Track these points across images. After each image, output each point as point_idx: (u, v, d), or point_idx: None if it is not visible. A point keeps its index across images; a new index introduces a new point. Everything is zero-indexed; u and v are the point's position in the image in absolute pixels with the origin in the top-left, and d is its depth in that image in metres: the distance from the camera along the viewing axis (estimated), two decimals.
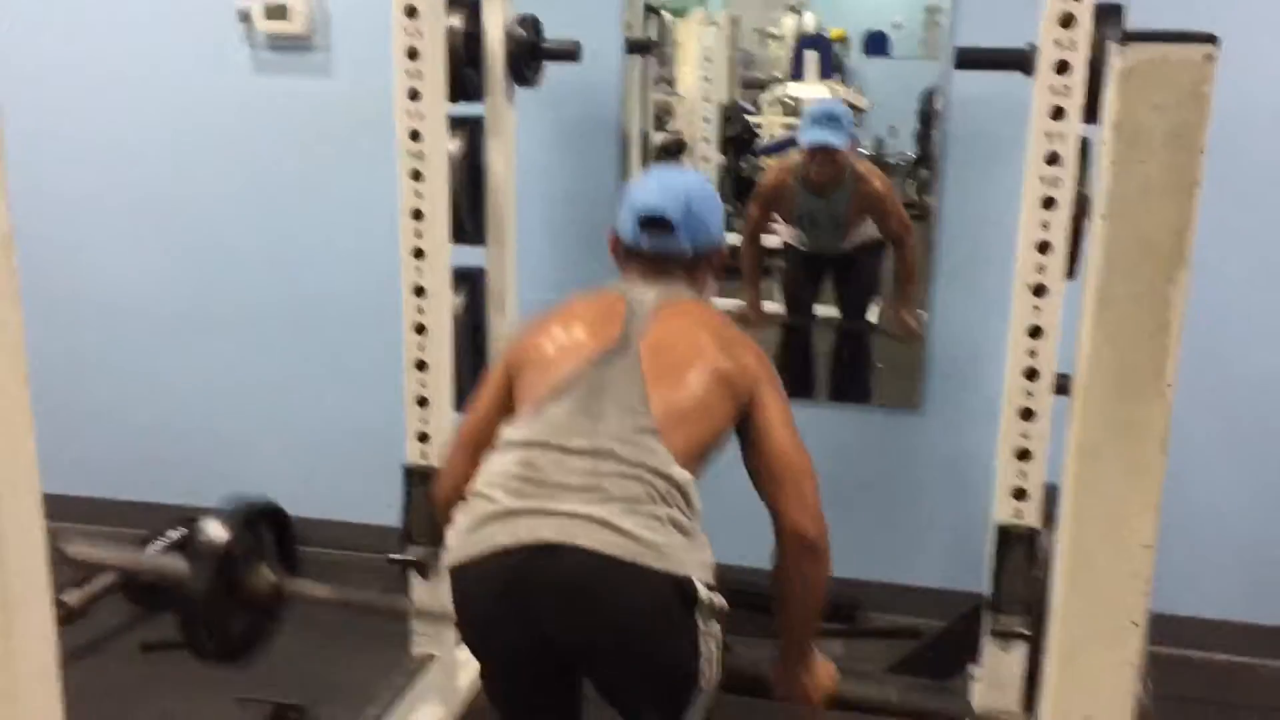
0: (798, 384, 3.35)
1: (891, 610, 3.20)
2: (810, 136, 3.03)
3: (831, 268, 3.34)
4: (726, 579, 1.74)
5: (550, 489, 1.61)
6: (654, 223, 1.84)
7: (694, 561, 1.61)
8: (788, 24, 3.25)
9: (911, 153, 3.12)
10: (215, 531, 2.02)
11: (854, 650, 3.10)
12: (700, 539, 1.65)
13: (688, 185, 1.88)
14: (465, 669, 2.81)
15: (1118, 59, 1.07)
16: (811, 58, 3.18)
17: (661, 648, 1.60)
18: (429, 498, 2.02)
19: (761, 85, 3.44)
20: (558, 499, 1.60)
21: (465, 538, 1.64)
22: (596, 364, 1.72)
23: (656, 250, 1.86)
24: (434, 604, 2.60)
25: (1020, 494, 2.35)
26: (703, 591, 1.60)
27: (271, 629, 2.20)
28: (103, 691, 2.69)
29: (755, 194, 3.26)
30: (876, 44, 3.15)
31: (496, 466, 1.68)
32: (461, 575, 1.65)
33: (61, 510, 3.84)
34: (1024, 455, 2.33)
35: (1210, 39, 1.06)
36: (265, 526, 2.19)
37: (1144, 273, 1.11)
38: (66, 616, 2.72)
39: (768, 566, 1.77)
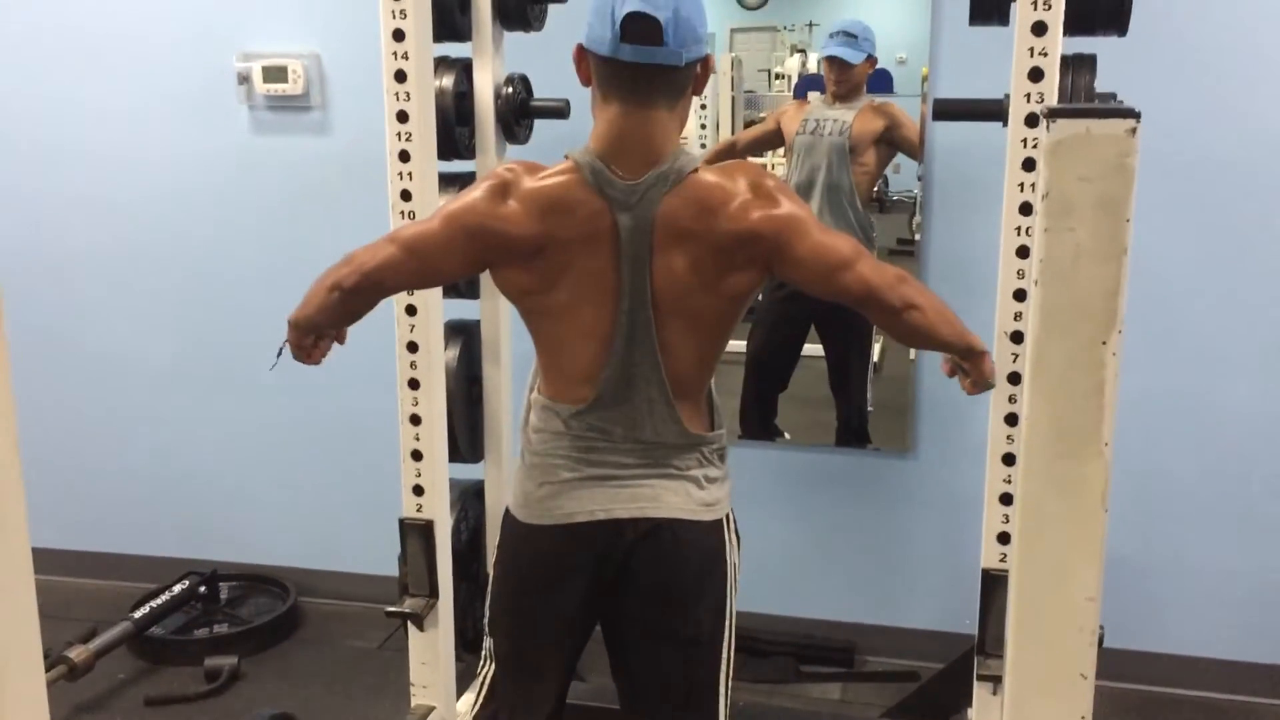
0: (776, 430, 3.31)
1: (889, 653, 3.21)
2: (826, 50, 3.09)
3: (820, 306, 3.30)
4: None
5: (607, 467, 1.78)
6: (640, 27, 1.56)
7: (726, 499, 1.84)
8: (791, 64, 3.29)
9: (915, 191, 3.13)
10: None
11: (851, 694, 3.12)
12: (729, 480, 1.86)
13: None
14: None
15: (1045, 133, 1.12)
16: (815, 97, 3.21)
17: (709, 584, 1.79)
18: (333, 284, 1.98)
19: None
20: (615, 474, 1.77)
21: (537, 506, 1.80)
22: (616, 340, 1.71)
23: (642, 62, 1.60)
24: (431, 655, 2.65)
25: (1005, 539, 2.37)
26: (732, 523, 1.84)
27: None
28: None
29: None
30: (881, 81, 3.15)
31: (551, 432, 1.81)
32: (529, 536, 1.81)
33: (63, 564, 3.90)
34: (1007, 500, 2.35)
35: (1133, 114, 1.10)
36: None
37: (1078, 335, 1.15)
38: (71, 672, 2.79)
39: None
